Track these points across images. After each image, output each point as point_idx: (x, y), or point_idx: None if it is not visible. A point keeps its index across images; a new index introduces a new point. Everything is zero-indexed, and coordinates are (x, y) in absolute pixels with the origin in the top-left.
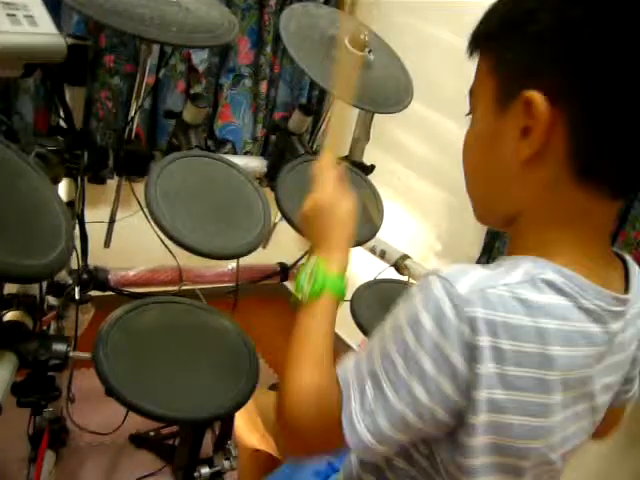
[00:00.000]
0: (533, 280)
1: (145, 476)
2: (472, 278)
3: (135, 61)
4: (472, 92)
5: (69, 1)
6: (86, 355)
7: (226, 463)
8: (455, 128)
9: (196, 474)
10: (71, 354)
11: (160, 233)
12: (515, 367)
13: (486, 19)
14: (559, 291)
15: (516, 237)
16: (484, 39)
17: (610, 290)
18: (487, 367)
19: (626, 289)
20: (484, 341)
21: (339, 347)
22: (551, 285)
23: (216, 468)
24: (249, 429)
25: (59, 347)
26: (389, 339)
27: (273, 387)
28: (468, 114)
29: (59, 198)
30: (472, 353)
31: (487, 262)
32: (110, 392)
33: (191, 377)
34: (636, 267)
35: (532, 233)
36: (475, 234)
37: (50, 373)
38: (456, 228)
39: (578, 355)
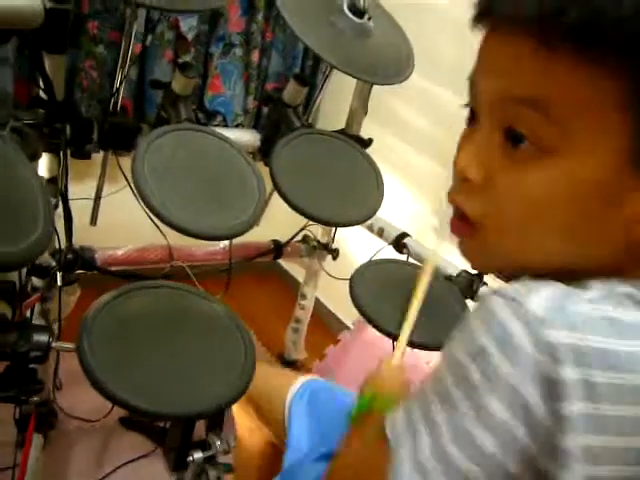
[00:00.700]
0: (614, 294)
1: (136, 459)
2: (545, 293)
3: (120, 29)
4: (547, 109)
5: None
6: (70, 346)
7: (220, 446)
8: (454, 100)
9: (189, 459)
10: (53, 345)
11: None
12: (611, 405)
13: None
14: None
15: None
16: (623, 44)
17: None
18: (576, 407)
19: None
20: (570, 373)
21: (334, 326)
22: (631, 298)
23: (210, 452)
24: (245, 419)
25: (40, 338)
26: (445, 377)
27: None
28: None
29: (37, 176)
30: (553, 389)
31: None
32: (96, 386)
33: (182, 369)
34: None
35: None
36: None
37: (31, 365)
38: None
39: None
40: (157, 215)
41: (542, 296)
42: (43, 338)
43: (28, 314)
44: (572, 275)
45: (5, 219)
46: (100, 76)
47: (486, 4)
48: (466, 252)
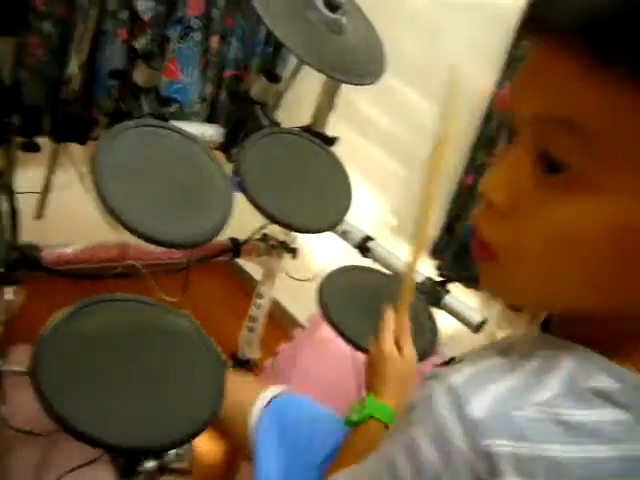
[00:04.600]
0: (577, 391)
1: (80, 466)
2: (491, 395)
3: (68, 3)
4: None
5: None
6: (22, 369)
7: (173, 455)
8: (418, 99)
9: (140, 468)
10: (3, 369)
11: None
12: None
13: None
14: (614, 403)
15: (584, 325)
16: None
17: None
18: None
19: None
20: None
21: (290, 324)
22: (601, 395)
23: (162, 460)
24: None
25: None
26: (382, 464)
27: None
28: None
29: None
30: None
31: (448, 244)
32: (53, 417)
33: (146, 396)
34: None
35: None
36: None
37: None
38: (414, 204)
39: None
40: (118, 220)
41: (485, 396)
42: None
43: None
44: (598, 323)
45: None
46: (46, 54)
47: (536, 11)
48: (482, 277)
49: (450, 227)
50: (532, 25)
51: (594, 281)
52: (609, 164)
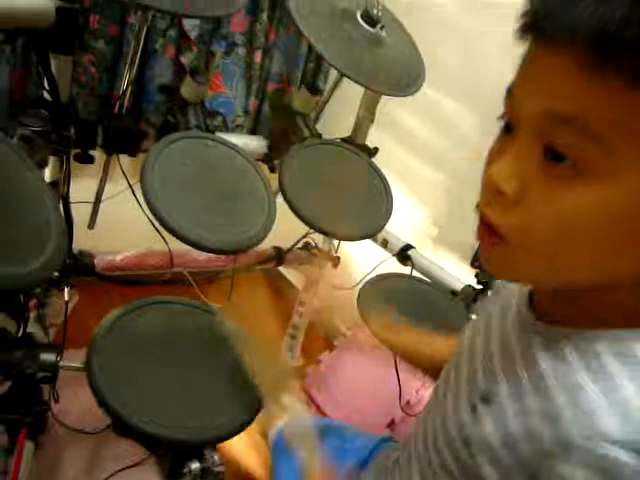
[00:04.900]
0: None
1: (128, 467)
2: (629, 419)
3: (120, 22)
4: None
5: None
6: (78, 365)
7: (217, 457)
8: (458, 109)
9: (185, 470)
10: (61, 364)
11: (149, 213)
12: None
13: None
14: None
15: (601, 299)
16: None
17: None
18: None
19: None
20: None
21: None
22: None
23: (206, 463)
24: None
25: (48, 357)
26: None
27: None
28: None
29: (48, 189)
30: None
31: None
32: (106, 410)
33: (194, 393)
34: None
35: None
36: (474, 221)
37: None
38: (454, 214)
39: None
40: (167, 228)
41: (630, 424)
42: (50, 357)
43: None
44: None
45: (15, 236)
46: (99, 72)
47: (537, 16)
48: (490, 261)
49: None
50: (536, 27)
51: (599, 261)
52: (612, 155)
